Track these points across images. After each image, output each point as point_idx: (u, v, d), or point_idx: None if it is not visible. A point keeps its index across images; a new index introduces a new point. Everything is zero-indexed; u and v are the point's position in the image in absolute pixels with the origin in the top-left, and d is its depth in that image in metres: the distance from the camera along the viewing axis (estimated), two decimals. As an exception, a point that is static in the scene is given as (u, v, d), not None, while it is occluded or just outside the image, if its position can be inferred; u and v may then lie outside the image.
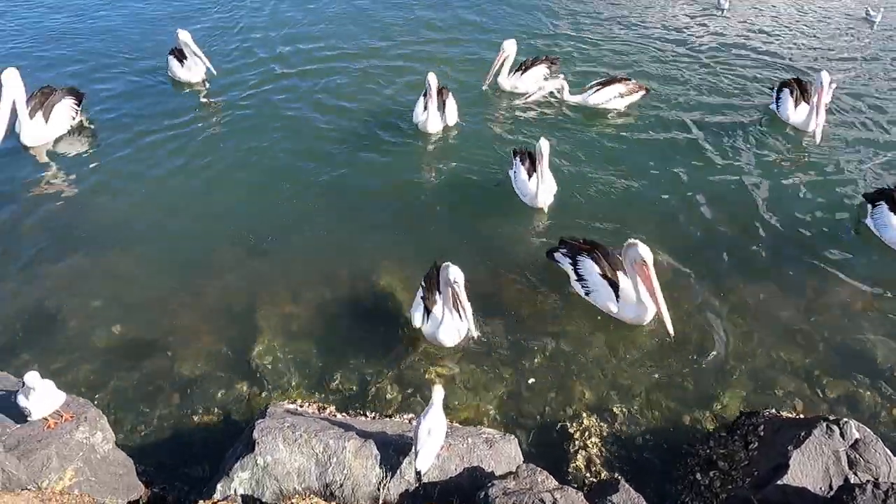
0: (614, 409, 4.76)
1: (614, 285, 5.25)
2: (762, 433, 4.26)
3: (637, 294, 5.08)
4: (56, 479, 3.37)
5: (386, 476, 3.65)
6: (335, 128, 8.14)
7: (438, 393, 3.67)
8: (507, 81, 8.84)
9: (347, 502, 3.60)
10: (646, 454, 4.51)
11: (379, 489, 3.62)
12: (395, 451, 3.74)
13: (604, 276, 5.29)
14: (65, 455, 3.49)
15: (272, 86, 9.10)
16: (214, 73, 9.03)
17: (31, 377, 3.46)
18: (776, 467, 3.79)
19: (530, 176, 6.52)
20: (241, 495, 3.61)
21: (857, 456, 3.71)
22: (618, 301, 5.25)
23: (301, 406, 4.74)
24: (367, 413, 4.72)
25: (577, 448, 4.49)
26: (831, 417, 3.95)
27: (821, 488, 3.62)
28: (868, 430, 3.81)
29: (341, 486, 3.62)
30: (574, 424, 4.64)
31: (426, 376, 4.99)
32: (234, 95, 8.94)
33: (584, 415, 4.71)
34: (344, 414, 4.66)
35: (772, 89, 8.56)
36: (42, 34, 10.78)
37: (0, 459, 3.18)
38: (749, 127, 8.25)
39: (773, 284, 5.78)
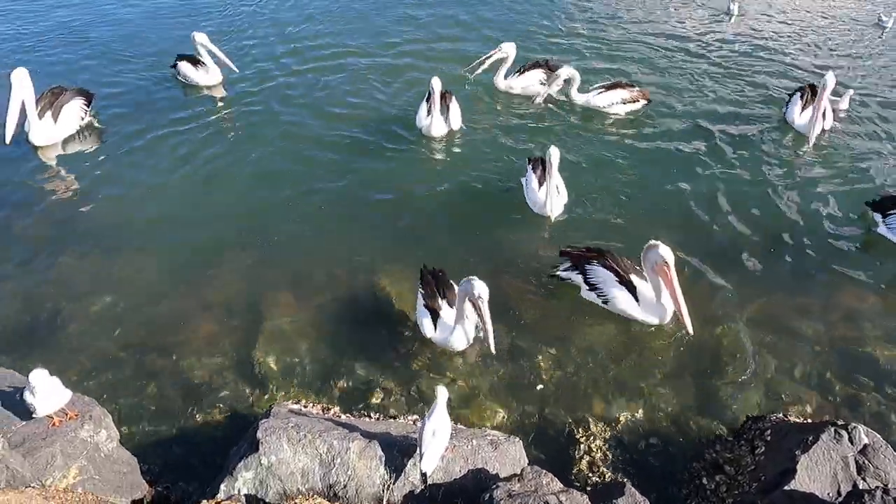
0: (620, 413, 4.73)
1: (632, 289, 5.23)
2: (769, 437, 4.23)
3: (657, 295, 5.11)
4: (60, 477, 3.37)
5: (390, 477, 3.64)
6: (339, 130, 8.13)
7: (442, 394, 3.65)
8: (502, 82, 8.86)
9: (351, 503, 3.58)
10: (651, 458, 4.48)
11: (383, 490, 3.61)
12: (399, 452, 3.72)
13: (620, 281, 5.25)
14: (69, 453, 3.49)
15: (277, 88, 9.12)
16: (236, 70, 9.07)
17: (38, 375, 3.46)
18: (783, 472, 3.75)
19: (541, 185, 6.43)
20: (245, 495, 3.60)
21: (866, 461, 3.67)
22: (636, 304, 5.24)
23: (305, 406, 4.73)
24: (372, 414, 4.71)
25: (582, 451, 4.47)
26: (840, 422, 3.91)
27: (829, 494, 3.58)
28: (877, 435, 3.77)
29: (345, 486, 3.60)
30: (579, 427, 4.62)
31: (431, 377, 4.98)
32: (240, 97, 8.97)
33: (590, 418, 4.69)
34: (348, 415, 4.65)
35: (790, 96, 8.43)
36: (52, 35, 10.86)
37: (5, 456, 3.18)
38: (758, 133, 8.19)
39: (781, 289, 5.74)
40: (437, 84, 7.53)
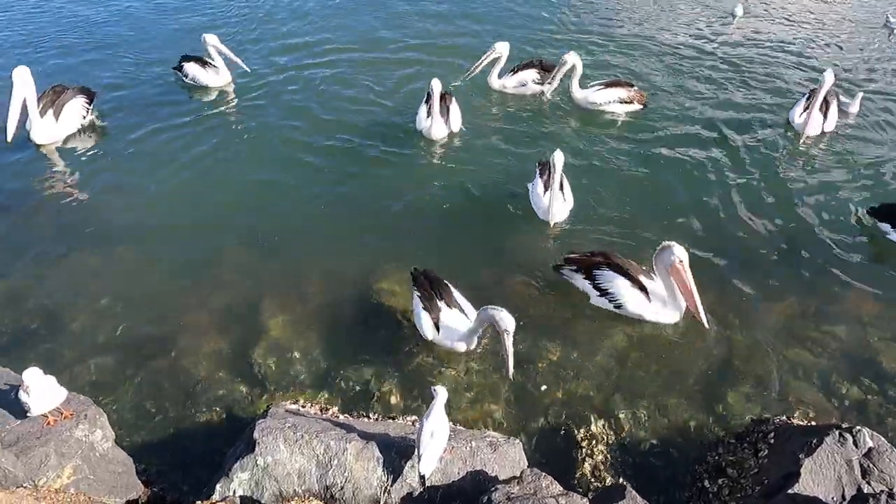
0: (621, 415, 4.68)
1: (643, 290, 5.20)
2: (772, 440, 4.18)
3: (668, 294, 5.12)
4: (54, 477, 3.34)
5: (387, 479, 3.60)
6: (340, 132, 8.07)
7: (441, 394, 3.61)
8: (496, 82, 8.83)
9: (348, 505, 3.55)
10: (653, 460, 4.44)
11: (380, 492, 3.57)
12: (397, 453, 3.68)
13: (631, 283, 5.20)
14: (63, 453, 3.46)
15: (277, 90, 9.05)
16: (248, 70, 9.04)
17: (32, 373, 3.43)
18: (787, 476, 3.70)
19: (546, 189, 6.34)
20: (241, 496, 3.56)
21: (871, 465, 3.61)
22: (648, 304, 5.21)
23: (303, 406, 4.69)
24: (370, 414, 4.67)
25: (583, 453, 4.42)
26: (844, 425, 3.85)
27: (833, 498, 3.53)
28: (882, 438, 3.72)
29: (342, 488, 3.56)
30: (580, 429, 4.57)
31: (430, 377, 4.94)
32: (242, 98, 8.93)
33: (591, 420, 4.64)
34: (346, 415, 4.61)
35: (805, 97, 8.26)
36: (54, 33, 10.84)
37: (-3, 456, 3.16)
38: (765, 136, 8.10)
39: (785, 291, 5.68)
40: (436, 86, 7.49)
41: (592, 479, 4.28)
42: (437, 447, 3.51)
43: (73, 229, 6.48)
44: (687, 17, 11.76)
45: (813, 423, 4.46)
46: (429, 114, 7.68)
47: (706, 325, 5.07)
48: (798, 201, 6.91)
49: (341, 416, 4.54)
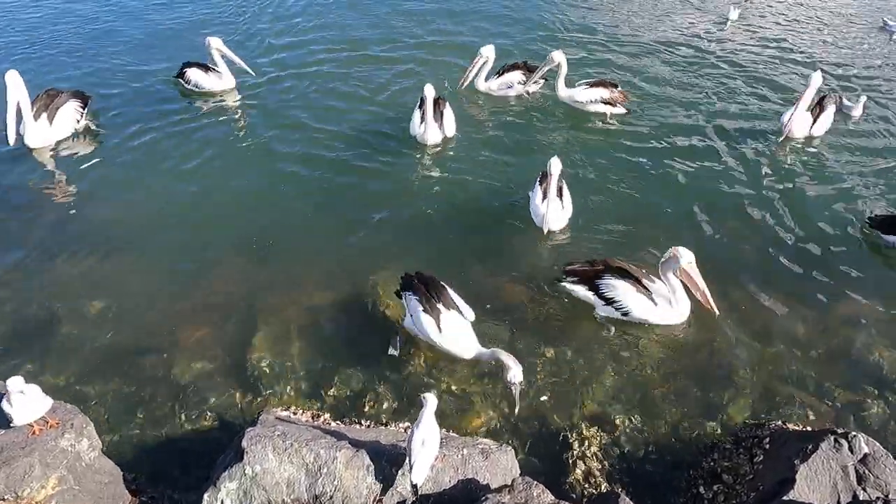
0: (616, 420, 4.64)
1: (649, 295, 5.17)
2: (768, 446, 4.15)
3: (674, 295, 5.15)
4: (38, 488, 3.29)
5: (378, 488, 3.55)
6: (336, 138, 8.02)
7: (431, 401, 3.57)
8: (483, 84, 8.88)
9: (338, 514, 3.50)
10: (648, 466, 4.39)
11: (370, 502, 3.52)
12: (388, 461, 3.63)
13: (637, 289, 5.17)
14: (48, 463, 3.41)
15: (273, 93, 9.01)
16: (254, 74, 9.00)
17: (15, 382, 3.38)
18: (782, 481, 3.67)
19: (545, 197, 6.21)
20: (229, 506, 3.51)
21: (867, 471, 3.58)
22: (655, 308, 5.19)
23: (295, 413, 4.65)
24: (363, 421, 4.62)
25: (576, 459, 4.37)
26: (839, 430, 3.82)
27: (828, 504, 3.50)
28: (877, 444, 3.68)
29: (331, 497, 3.51)
30: (574, 435, 4.52)
31: (424, 383, 4.89)
32: (238, 101, 8.89)
33: (585, 425, 4.59)
34: (338, 422, 4.56)
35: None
36: (50, 37, 10.79)
37: (-21, 467, 3.10)
38: (759, 140, 8.06)
39: (781, 295, 5.63)
40: (430, 92, 7.46)
41: (586, 485, 4.23)
42: (429, 455, 3.47)
43: (64, 234, 6.43)
44: (682, 20, 11.71)
45: (809, 427, 4.43)
46: (423, 119, 7.65)
47: (717, 312, 5.19)
48: (795, 205, 6.86)
49: (333, 423, 4.49)
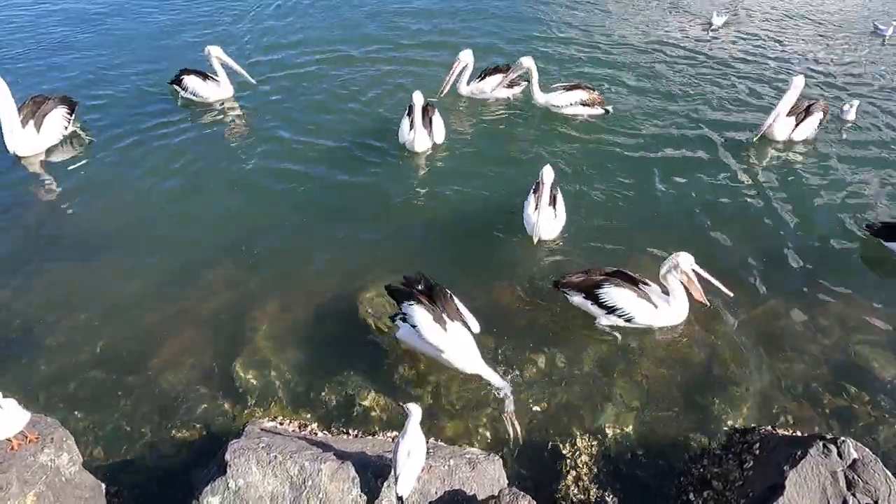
0: (606, 427, 4.61)
1: (648, 299, 5.16)
2: (757, 451, 4.13)
3: (673, 296, 5.16)
4: (15, 505, 3.22)
5: (363, 501, 3.50)
6: (325, 145, 7.98)
7: (416, 412, 3.52)
8: (465, 88, 8.91)
9: (323, 528, 3.45)
10: (638, 473, 4.35)
11: (355, 514, 3.47)
12: (373, 473, 3.58)
13: (638, 294, 5.15)
14: (26, 479, 3.34)
15: (262, 101, 8.97)
16: (254, 82, 8.94)
17: (-9, 397, 3.32)
18: (772, 487, 3.64)
19: (537, 206, 6.13)
20: (212, 521, 3.46)
21: (856, 476, 3.55)
22: (656, 311, 5.18)
23: (282, 423, 4.59)
24: (350, 430, 4.57)
25: (567, 467, 4.34)
26: (828, 436, 3.80)
27: (818, 510, 3.47)
28: (867, 449, 3.66)
29: (316, 510, 3.46)
30: (565, 442, 4.49)
31: (413, 391, 4.85)
32: (227, 109, 8.83)
33: (576, 432, 4.56)
34: (325, 432, 4.51)
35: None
36: (36, 43, 10.75)
37: (-46, 485, 3.03)
38: (747, 145, 8.04)
39: (771, 301, 5.61)
40: (418, 98, 7.43)
41: (576, 492, 4.19)
42: (415, 467, 3.42)
43: (51, 241, 6.39)
44: (665, 28, 11.69)
45: (798, 432, 4.41)
46: (411, 126, 7.62)
47: (707, 304, 5.24)
48: (785, 209, 6.84)
49: (320, 433, 4.44)
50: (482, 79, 8.84)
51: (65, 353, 5.15)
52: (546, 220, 6.09)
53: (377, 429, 4.60)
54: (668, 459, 4.42)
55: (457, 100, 8.98)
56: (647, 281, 5.27)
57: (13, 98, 7.38)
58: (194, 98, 8.77)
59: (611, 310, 5.18)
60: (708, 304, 5.23)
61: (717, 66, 10.08)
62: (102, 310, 5.52)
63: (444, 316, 4.63)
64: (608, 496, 4.14)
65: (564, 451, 4.43)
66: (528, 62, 8.32)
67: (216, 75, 8.76)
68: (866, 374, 4.98)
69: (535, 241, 6.12)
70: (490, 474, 3.74)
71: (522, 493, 3.25)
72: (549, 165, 6.11)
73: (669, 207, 6.89)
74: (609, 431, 4.58)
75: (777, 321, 5.43)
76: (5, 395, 3.43)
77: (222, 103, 8.88)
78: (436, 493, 3.56)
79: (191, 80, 8.71)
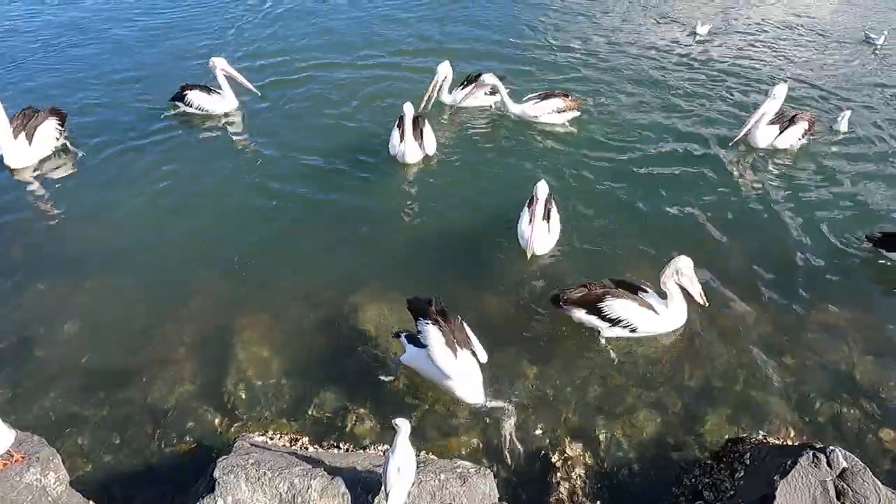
0: (599, 437, 4.61)
1: (650, 307, 5.18)
2: (748, 461, 4.14)
3: (672, 302, 5.20)
4: (0, 527, 3.18)
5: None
6: (317, 156, 7.96)
7: (404, 427, 3.50)
8: (448, 97, 8.96)
9: (313, 545, 3.42)
10: (631, 484, 4.35)
11: (345, 531, 3.45)
12: (363, 489, 3.57)
13: (640, 304, 5.17)
14: (12, 499, 3.31)
15: (255, 115, 8.96)
16: (258, 93, 8.92)
17: (-24, 417, 3.29)
18: (762, 497, 3.66)
19: (531, 220, 6.03)
20: (200, 539, 3.42)
21: (845, 486, 3.57)
22: (658, 317, 5.20)
23: (272, 438, 4.57)
24: (341, 445, 4.54)
25: (559, 478, 4.33)
26: (818, 445, 3.82)
27: (808, 521, 3.48)
28: (856, 458, 3.68)
29: (306, 527, 3.44)
30: (557, 453, 4.48)
31: (405, 404, 4.82)
32: (220, 122, 8.81)
33: (569, 443, 4.56)
34: (316, 447, 4.48)
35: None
36: (24, 54, 10.74)
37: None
38: (742, 153, 8.08)
39: (763, 310, 5.63)
40: (409, 110, 7.44)
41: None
42: (405, 482, 3.40)
43: (41, 254, 6.36)
44: (649, 37, 11.71)
45: (789, 441, 4.42)
46: (402, 138, 7.61)
47: (706, 304, 5.28)
48: (780, 218, 6.88)
49: (310, 448, 4.42)
50: (462, 87, 8.86)
51: (52, 368, 5.11)
52: (540, 234, 6.07)
53: (368, 442, 4.58)
54: (660, 469, 4.42)
55: (442, 110, 9.00)
56: (646, 287, 5.29)
57: (3, 111, 7.35)
58: (200, 112, 8.70)
59: (615, 322, 5.18)
60: (707, 304, 5.27)
61: (704, 75, 10.15)
62: (90, 324, 5.49)
63: (455, 342, 4.51)
64: (599, 508, 4.14)
65: (557, 464, 4.41)
66: (491, 79, 8.36)
67: (219, 88, 8.69)
68: (855, 382, 5.00)
69: (529, 256, 6.09)
70: (481, 489, 3.72)
71: (513, 507, 3.24)
72: (543, 181, 6.12)
73: (659, 218, 6.90)
74: (601, 442, 4.58)
75: (769, 332, 5.44)
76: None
77: (226, 115, 8.85)
78: (426, 508, 3.54)
79: (195, 96, 8.63)
